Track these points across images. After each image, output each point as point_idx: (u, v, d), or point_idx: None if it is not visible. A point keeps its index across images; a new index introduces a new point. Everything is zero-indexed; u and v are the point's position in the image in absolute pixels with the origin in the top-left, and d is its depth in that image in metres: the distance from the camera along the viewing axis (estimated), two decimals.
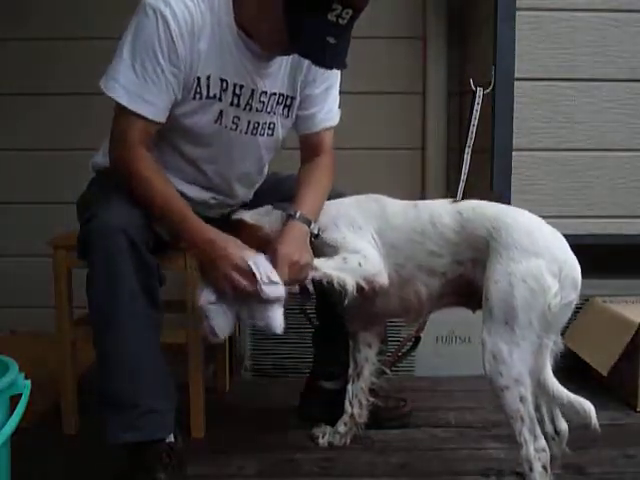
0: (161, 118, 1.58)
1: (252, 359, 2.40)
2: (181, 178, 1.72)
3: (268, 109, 1.73)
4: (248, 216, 1.76)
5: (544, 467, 1.43)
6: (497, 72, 2.28)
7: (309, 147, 1.83)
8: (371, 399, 1.84)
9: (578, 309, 2.38)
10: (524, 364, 1.44)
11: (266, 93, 1.70)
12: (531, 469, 1.44)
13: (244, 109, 1.68)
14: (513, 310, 1.45)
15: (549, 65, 2.33)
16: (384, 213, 1.70)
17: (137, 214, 1.54)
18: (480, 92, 2.14)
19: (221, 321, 1.54)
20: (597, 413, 2.00)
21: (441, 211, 1.63)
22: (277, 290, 1.50)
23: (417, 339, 2.00)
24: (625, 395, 2.13)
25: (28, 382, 1.43)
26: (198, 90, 1.61)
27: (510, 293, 1.45)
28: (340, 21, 1.47)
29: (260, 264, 1.51)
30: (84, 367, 1.96)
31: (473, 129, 2.05)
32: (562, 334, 2.33)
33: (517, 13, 2.28)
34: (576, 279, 1.49)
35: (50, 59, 2.72)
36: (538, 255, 1.47)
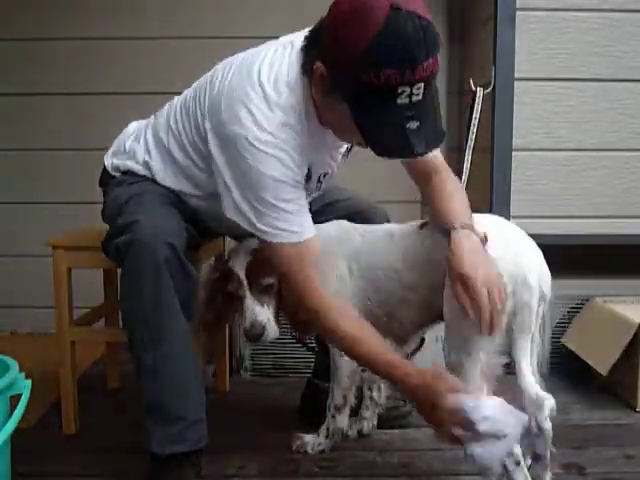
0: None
1: (252, 359, 2.40)
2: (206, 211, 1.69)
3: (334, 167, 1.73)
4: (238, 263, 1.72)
5: (516, 462, 1.39)
6: (497, 72, 2.28)
7: (425, 172, 1.73)
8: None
9: (578, 309, 2.38)
10: (478, 372, 1.45)
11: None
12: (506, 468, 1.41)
13: (317, 188, 1.69)
14: (461, 321, 1.44)
15: (549, 65, 2.32)
16: (367, 260, 1.68)
17: (178, 225, 1.54)
18: (480, 92, 2.14)
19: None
20: (597, 413, 2.03)
21: (413, 240, 1.64)
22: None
23: (421, 340, 1.99)
24: (625, 395, 2.13)
25: (28, 382, 1.42)
26: None
27: (457, 305, 1.44)
28: (414, 99, 1.29)
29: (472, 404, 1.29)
30: (84, 367, 1.96)
31: (473, 129, 2.05)
32: (561, 333, 2.37)
33: (517, 13, 2.28)
34: (526, 279, 1.46)
35: (52, 59, 2.72)
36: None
